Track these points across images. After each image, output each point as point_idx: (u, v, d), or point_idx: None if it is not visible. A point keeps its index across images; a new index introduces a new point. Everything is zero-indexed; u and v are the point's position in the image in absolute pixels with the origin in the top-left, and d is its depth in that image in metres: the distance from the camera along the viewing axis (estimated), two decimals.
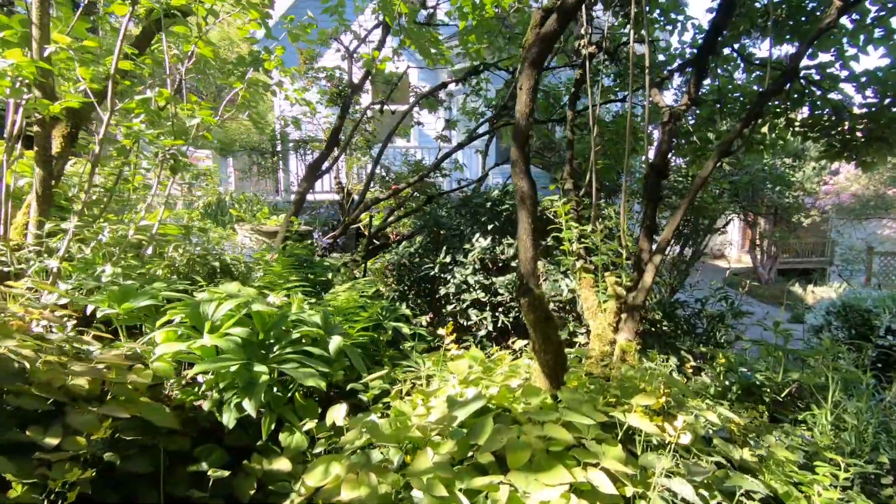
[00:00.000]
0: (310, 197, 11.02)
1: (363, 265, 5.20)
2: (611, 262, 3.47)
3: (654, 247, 2.83)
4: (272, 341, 2.15)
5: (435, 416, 1.74)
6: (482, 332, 3.71)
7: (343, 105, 5.11)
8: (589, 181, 3.30)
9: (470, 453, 1.64)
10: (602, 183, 6.01)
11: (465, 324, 3.81)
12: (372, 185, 7.50)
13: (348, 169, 8.60)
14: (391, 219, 5.77)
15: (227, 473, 1.50)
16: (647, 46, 2.92)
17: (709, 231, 7.75)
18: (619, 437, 1.79)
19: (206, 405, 1.91)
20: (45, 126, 2.68)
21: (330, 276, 3.60)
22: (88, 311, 2.46)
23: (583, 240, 3.11)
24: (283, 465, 1.82)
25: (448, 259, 3.95)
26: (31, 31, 2.59)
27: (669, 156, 4.91)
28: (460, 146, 5.22)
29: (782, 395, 3.15)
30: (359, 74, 5.63)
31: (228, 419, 1.86)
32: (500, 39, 5.26)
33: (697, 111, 4.71)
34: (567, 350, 3.22)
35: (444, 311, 3.92)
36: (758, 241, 16.31)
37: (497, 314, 3.77)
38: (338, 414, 1.90)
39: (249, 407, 1.81)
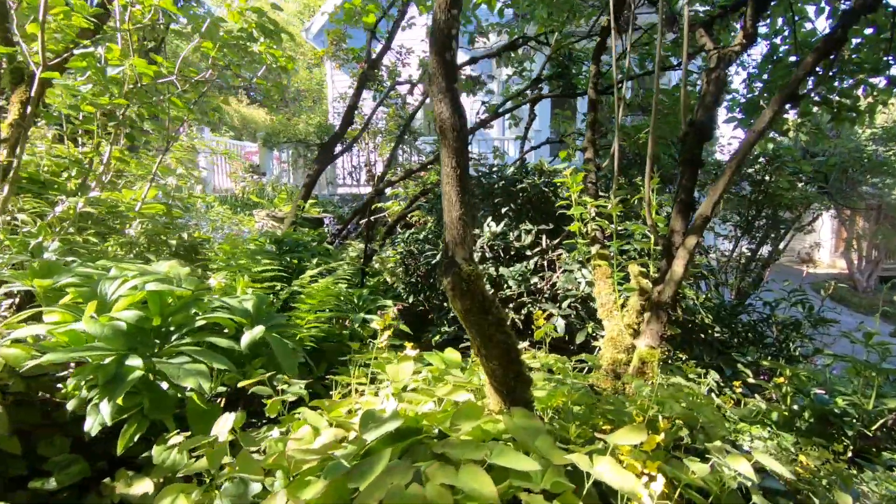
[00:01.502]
0: (355, 190, 10.92)
1: (377, 254, 4.78)
2: (644, 249, 2.80)
3: (688, 226, 2.16)
4: (172, 329, 1.75)
5: (323, 440, 1.25)
6: None
7: (359, 81, 4.73)
8: (613, 151, 2.67)
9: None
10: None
11: None
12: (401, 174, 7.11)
13: (380, 156, 8.28)
14: (414, 206, 5.32)
15: None
16: None
17: (790, 226, 6.60)
18: (589, 489, 1.20)
19: (70, 405, 1.54)
20: None
21: (315, 261, 3.20)
22: (14, 289, 2.20)
23: (599, 219, 2.48)
24: (142, 487, 1.41)
25: None
26: None
27: (724, 123, 4.09)
28: (482, 124, 4.67)
29: (873, 429, 2.42)
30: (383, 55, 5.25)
31: (92, 425, 1.48)
32: (541, 7, 4.66)
33: (768, 78, 3.86)
34: (585, 356, 2.60)
35: (445, 304, 3.40)
36: (854, 243, 14.22)
37: (507, 310, 3.20)
38: (222, 426, 1.45)
39: (105, 410, 1.42)
